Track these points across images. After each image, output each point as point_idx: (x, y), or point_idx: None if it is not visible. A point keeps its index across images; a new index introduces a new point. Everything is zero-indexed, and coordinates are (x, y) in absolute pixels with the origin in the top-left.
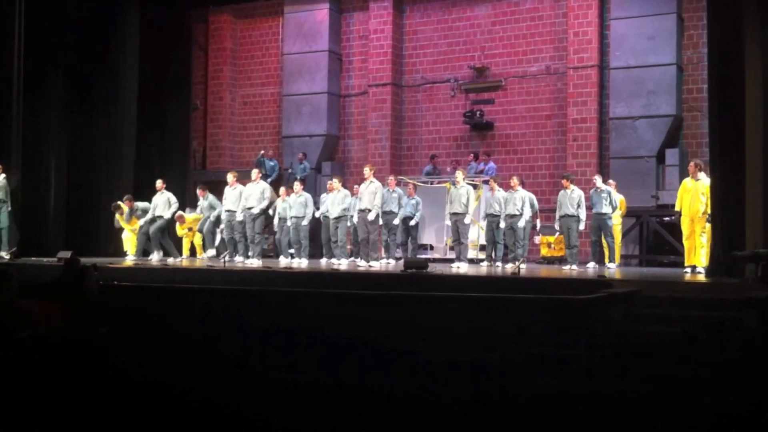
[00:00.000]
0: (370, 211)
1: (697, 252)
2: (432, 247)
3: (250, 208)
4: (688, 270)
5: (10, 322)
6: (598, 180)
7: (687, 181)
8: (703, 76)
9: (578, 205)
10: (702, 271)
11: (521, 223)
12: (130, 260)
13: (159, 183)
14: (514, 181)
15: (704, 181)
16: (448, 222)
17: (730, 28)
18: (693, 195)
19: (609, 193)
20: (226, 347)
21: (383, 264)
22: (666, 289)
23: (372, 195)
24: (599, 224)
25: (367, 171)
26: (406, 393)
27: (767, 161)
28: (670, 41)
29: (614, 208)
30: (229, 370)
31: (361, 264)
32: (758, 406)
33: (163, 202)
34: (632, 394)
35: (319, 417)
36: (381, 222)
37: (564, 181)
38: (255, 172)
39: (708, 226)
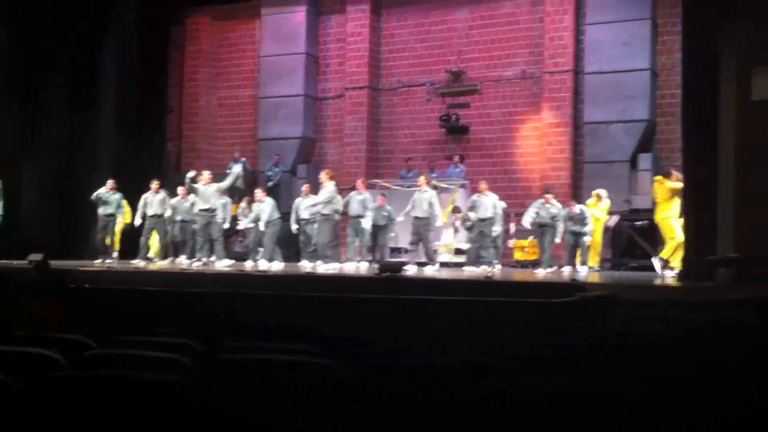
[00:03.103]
0: (428, 218)
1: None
2: (406, 251)
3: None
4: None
5: (12, 319)
6: (573, 206)
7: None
8: (677, 82)
9: (556, 219)
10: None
11: (496, 227)
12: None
13: (156, 184)
14: (483, 185)
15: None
16: (400, 218)
17: (704, 33)
18: None
19: (584, 215)
20: (198, 348)
21: (355, 267)
22: (640, 292)
23: (427, 203)
24: (575, 238)
25: (422, 179)
26: (380, 394)
27: (739, 166)
28: (644, 47)
29: (588, 227)
30: (203, 369)
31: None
32: (738, 408)
33: (158, 202)
34: (607, 396)
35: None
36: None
37: (547, 196)
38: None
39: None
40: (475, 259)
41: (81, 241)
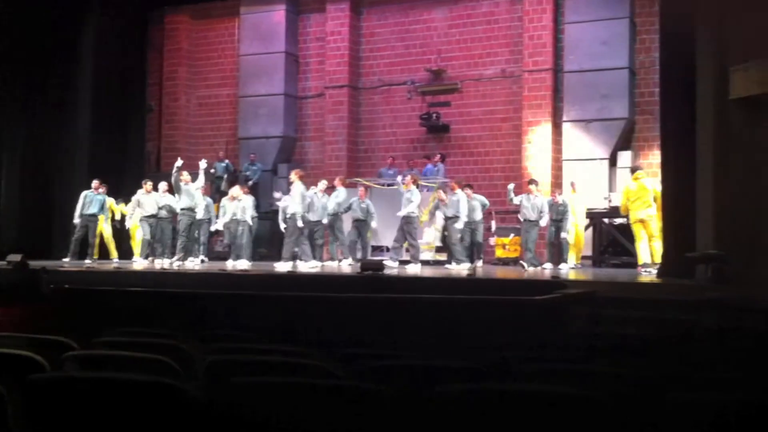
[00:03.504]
0: (458, 218)
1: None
2: (388, 249)
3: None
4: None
5: None
6: (557, 195)
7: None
8: (655, 80)
9: (540, 211)
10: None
11: (459, 225)
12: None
13: (150, 184)
14: (453, 184)
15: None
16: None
17: (682, 32)
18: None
19: (565, 206)
20: (181, 349)
21: (336, 265)
22: (621, 289)
23: (456, 203)
24: (556, 232)
25: (408, 178)
26: (367, 395)
27: (718, 164)
28: (623, 45)
29: (569, 219)
30: (186, 371)
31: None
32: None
33: (153, 204)
34: (589, 395)
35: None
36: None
37: (531, 188)
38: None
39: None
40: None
41: (59, 241)
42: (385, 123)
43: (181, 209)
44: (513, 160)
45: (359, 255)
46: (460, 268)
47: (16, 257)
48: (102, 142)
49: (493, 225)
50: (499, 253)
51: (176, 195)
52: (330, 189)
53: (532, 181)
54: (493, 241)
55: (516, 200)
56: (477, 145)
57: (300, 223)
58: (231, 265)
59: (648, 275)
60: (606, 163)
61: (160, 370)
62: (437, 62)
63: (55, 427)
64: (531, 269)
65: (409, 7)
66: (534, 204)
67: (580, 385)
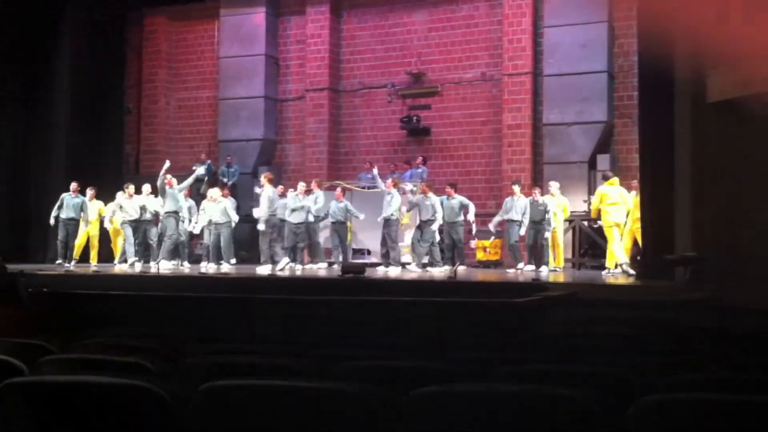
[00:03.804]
0: (433, 221)
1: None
2: (369, 252)
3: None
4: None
5: None
6: (537, 193)
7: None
8: (633, 84)
9: (523, 213)
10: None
11: (434, 227)
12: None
13: (132, 188)
14: (424, 187)
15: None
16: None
17: (660, 36)
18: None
19: (546, 207)
20: (164, 353)
21: (314, 268)
22: (600, 291)
23: (431, 206)
24: (536, 231)
25: (389, 181)
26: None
27: (695, 166)
28: (601, 49)
29: (548, 219)
30: (166, 373)
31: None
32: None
33: (136, 208)
34: (569, 395)
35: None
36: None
37: (513, 188)
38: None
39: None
40: (432, 260)
41: (37, 244)
42: (365, 126)
43: (166, 212)
44: (493, 163)
45: (340, 258)
46: (441, 270)
47: None
48: (80, 145)
49: (474, 228)
50: (480, 255)
51: (161, 197)
52: (307, 191)
53: (514, 182)
54: (473, 243)
55: (497, 219)
56: (458, 148)
57: (262, 227)
58: (213, 268)
59: (615, 276)
60: (585, 166)
61: (138, 373)
62: (417, 65)
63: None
64: (516, 270)
65: (388, 11)
66: (517, 205)
67: (560, 386)
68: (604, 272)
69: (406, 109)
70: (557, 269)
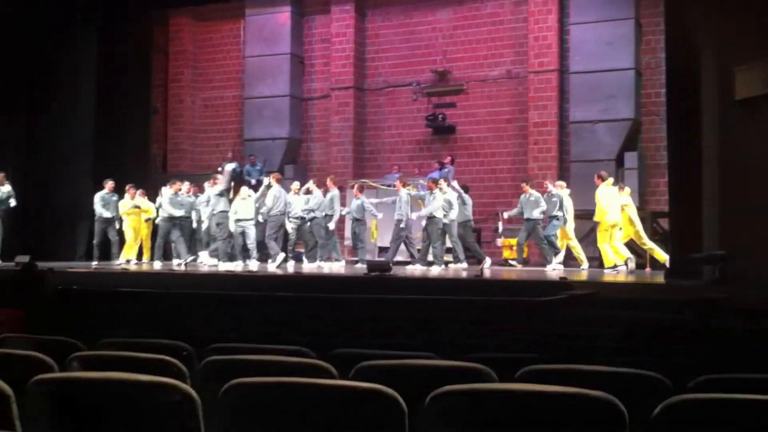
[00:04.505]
0: (435, 218)
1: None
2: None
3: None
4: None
5: None
6: (549, 185)
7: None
8: (661, 81)
9: (536, 208)
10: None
11: (448, 222)
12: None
13: (179, 185)
14: (429, 183)
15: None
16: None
17: (687, 33)
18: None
19: (559, 200)
20: (189, 350)
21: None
22: (623, 291)
23: (433, 203)
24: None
25: (430, 183)
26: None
27: (723, 164)
28: (628, 46)
29: (563, 214)
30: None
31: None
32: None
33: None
34: (592, 395)
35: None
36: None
37: (523, 186)
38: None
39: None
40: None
41: (66, 243)
42: (390, 124)
43: (221, 211)
44: (519, 161)
45: (360, 255)
46: (439, 269)
47: (24, 258)
48: (106, 144)
49: (500, 226)
50: (507, 254)
51: (216, 198)
52: (323, 190)
53: (524, 181)
54: (500, 242)
55: (514, 212)
56: (483, 146)
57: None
58: (251, 265)
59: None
60: (612, 163)
61: (164, 370)
62: (442, 63)
63: (60, 428)
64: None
65: (413, 8)
66: (530, 201)
67: (585, 386)
68: (607, 271)
69: (431, 107)
70: (584, 268)
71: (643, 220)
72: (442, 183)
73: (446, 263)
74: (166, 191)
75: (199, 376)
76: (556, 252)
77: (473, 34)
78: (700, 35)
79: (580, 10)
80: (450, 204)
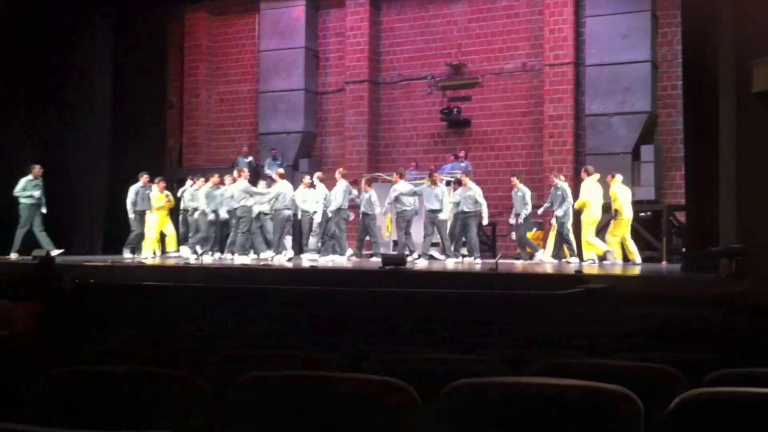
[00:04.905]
0: (440, 210)
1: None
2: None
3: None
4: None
5: None
6: (554, 177)
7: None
8: (677, 74)
9: (524, 204)
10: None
11: (442, 216)
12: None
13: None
14: (435, 176)
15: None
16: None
17: (704, 25)
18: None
19: (564, 193)
20: (206, 345)
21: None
22: (639, 284)
23: (438, 196)
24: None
25: (436, 176)
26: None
27: (740, 157)
28: (644, 39)
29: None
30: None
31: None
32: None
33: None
34: (609, 389)
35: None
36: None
37: (513, 180)
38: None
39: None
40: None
41: (83, 237)
42: (405, 118)
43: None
44: (534, 155)
45: (372, 249)
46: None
47: (41, 252)
48: (123, 139)
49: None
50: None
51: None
52: (331, 183)
53: (514, 176)
54: (515, 236)
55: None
56: (498, 139)
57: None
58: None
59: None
60: (629, 157)
61: (178, 363)
62: (457, 56)
63: (73, 422)
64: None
65: (428, 2)
66: (517, 196)
67: (600, 380)
68: (586, 262)
69: (446, 100)
70: (594, 261)
71: (659, 213)
72: (465, 178)
73: (462, 256)
74: (205, 186)
75: (214, 368)
76: (570, 247)
77: (488, 27)
78: (717, 28)
79: (596, 2)
80: (475, 200)
